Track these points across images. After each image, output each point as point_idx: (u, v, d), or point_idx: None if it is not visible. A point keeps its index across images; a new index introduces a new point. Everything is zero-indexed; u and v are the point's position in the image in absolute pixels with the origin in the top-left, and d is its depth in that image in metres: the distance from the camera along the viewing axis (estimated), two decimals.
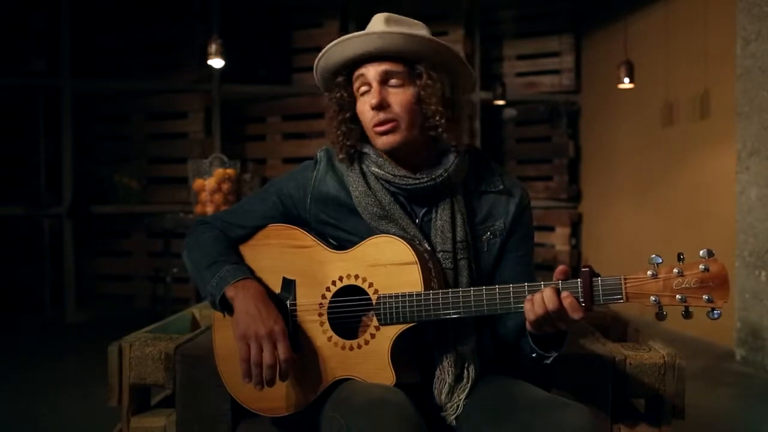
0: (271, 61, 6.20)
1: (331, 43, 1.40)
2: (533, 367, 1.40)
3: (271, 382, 1.32)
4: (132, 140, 6.20)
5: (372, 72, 1.39)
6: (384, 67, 1.39)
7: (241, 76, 5.93)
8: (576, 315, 1.21)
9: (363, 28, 1.45)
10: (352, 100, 1.45)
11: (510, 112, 6.75)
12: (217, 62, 4.70)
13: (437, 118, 1.39)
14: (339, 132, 1.45)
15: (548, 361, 1.36)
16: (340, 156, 1.48)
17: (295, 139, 6.23)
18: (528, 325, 1.27)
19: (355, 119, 1.45)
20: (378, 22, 1.41)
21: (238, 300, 1.38)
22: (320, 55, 1.43)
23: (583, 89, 6.57)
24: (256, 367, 1.32)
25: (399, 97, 1.39)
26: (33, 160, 5.87)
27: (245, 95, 6.21)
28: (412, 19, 1.45)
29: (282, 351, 1.32)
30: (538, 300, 1.23)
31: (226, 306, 1.42)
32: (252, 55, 6.13)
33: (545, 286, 1.24)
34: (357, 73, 1.42)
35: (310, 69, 1.47)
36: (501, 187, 1.49)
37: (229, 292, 1.39)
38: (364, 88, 1.41)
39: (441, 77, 1.40)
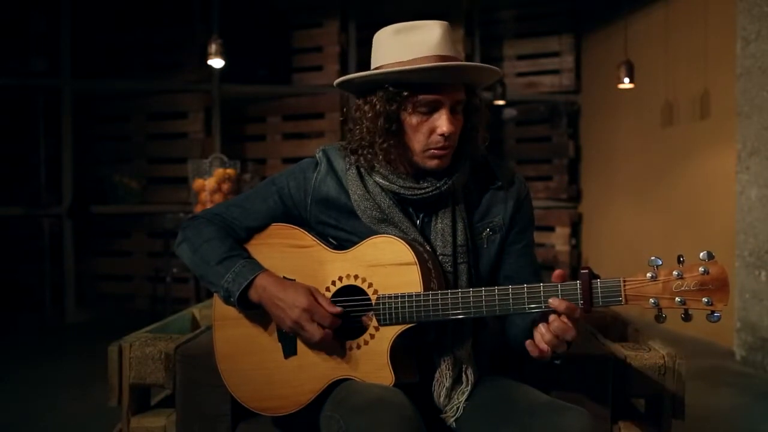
0: (271, 61, 6.20)
1: (425, 65, 1.33)
2: (542, 366, 1.40)
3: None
4: (132, 140, 6.21)
5: (449, 100, 1.37)
6: (459, 96, 1.38)
7: (241, 76, 5.92)
8: (575, 314, 1.22)
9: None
10: (399, 114, 1.39)
11: (510, 112, 6.75)
12: (217, 62, 4.70)
13: (481, 141, 1.45)
14: (386, 145, 1.39)
15: (558, 362, 1.36)
16: (364, 164, 1.44)
17: (295, 139, 6.23)
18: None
19: (397, 133, 1.40)
20: (438, 37, 1.37)
21: (265, 302, 1.40)
22: (395, 69, 1.34)
23: (583, 89, 6.57)
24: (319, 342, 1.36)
25: (459, 125, 1.40)
26: (33, 160, 5.87)
27: (245, 95, 6.21)
28: (449, 27, 1.43)
29: (321, 318, 1.35)
30: (544, 335, 1.25)
31: (242, 301, 1.42)
32: (252, 55, 6.13)
33: (544, 287, 1.25)
34: (429, 96, 1.36)
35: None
36: (499, 183, 1.49)
37: (253, 295, 1.41)
38: (425, 109, 1.37)
39: (483, 102, 1.45)
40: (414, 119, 1.38)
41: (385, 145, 1.39)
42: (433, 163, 1.40)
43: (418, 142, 1.39)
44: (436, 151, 1.38)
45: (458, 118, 1.40)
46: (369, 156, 1.42)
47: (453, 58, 1.37)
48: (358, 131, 1.42)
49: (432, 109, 1.37)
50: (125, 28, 6.06)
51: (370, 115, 1.39)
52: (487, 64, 1.40)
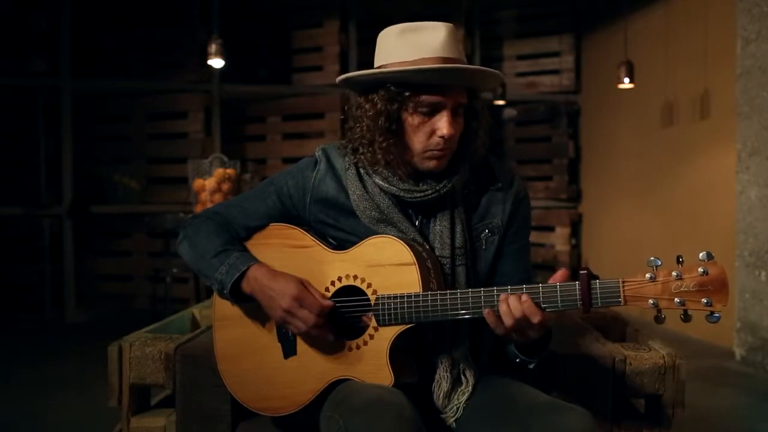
0: (271, 61, 6.21)
1: (429, 66, 1.32)
2: (519, 370, 1.40)
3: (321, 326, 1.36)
4: (132, 140, 6.20)
5: (450, 102, 1.36)
6: (461, 99, 1.38)
7: (241, 76, 5.93)
8: (535, 318, 1.22)
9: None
10: (400, 114, 1.38)
11: (510, 112, 6.75)
12: (217, 62, 4.70)
13: (481, 145, 1.45)
14: (385, 144, 1.38)
15: (531, 366, 1.36)
16: (364, 163, 1.43)
17: (295, 139, 6.23)
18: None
19: (397, 133, 1.39)
20: (442, 38, 1.37)
21: (256, 293, 1.40)
22: (399, 68, 1.34)
23: (583, 89, 6.57)
24: (310, 331, 1.36)
25: (459, 128, 1.40)
26: (33, 160, 5.87)
27: (245, 95, 6.21)
28: (454, 29, 1.42)
29: (311, 305, 1.34)
30: (505, 311, 1.24)
31: (235, 294, 1.42)
32: (252, 55, 6.13)
33: (542, 287, 1.24)
34: (432, 97, 1.35)
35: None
36: (498, 184, 1.49)
37: (246, 287, 1.41)
38: (427, 110, 1.36)
39: (484, 106, 1.45)
40: (415, 120, 1.37)
41: (384, 144, 1.38)
42: (431, 164, 1.39)
43: (418, 142, 1.38)
44: (435, 152, 1.38)
45: (459, 121, 1.39)
46: (369, 155, 1.41)
47: (457, 61, 1.37)
48: (358, 129, 1.42)
49: (433, 110, 1.36)
50: (125, 28, 6.06)
51: (371, 113, 1.38)
52: (490, 68, 1.39)
